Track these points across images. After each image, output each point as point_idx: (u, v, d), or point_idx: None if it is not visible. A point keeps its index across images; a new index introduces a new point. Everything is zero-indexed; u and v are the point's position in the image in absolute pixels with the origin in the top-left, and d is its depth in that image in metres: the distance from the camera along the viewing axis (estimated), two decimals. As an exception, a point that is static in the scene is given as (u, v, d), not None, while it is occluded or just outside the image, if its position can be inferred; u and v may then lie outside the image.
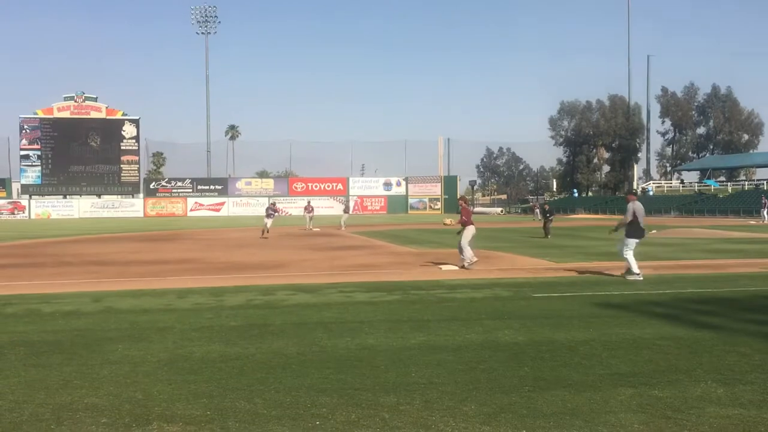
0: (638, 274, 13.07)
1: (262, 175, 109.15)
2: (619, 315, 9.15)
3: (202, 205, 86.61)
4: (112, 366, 6.54)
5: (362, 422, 4.83)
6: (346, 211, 44.45)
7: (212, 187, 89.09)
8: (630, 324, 8.45)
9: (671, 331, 7.99)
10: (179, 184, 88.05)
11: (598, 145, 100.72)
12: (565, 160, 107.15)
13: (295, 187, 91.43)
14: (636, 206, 13.62)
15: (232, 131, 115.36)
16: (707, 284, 12.49)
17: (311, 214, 40.11)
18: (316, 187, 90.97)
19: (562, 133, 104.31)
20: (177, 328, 8.42)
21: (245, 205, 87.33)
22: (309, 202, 42.66)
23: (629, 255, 13.38)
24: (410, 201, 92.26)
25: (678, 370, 6.15)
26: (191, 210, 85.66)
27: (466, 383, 5.78)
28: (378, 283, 12.76)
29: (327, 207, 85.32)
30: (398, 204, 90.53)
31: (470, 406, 5.16)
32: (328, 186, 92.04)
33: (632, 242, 13.49)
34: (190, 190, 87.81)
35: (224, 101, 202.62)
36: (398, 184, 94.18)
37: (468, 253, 15.48)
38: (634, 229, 13.55)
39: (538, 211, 64.19)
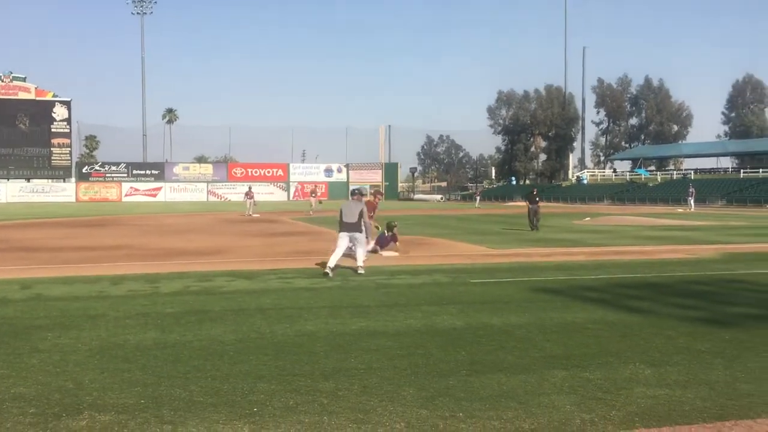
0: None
1: (201, 160, 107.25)
2: (553, 300, 9.37)
3: (138, 190, 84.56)
4: (41, 355, 6.33)
5: (300, 408, 4.82)
6: (313, 195, 43.79)
7: (148, 172, 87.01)
8: (564, 308, 8.68)
9: (603, 315, 8.24)
10: (113, 168, 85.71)
11: (535, 134, 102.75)
12: (503, 148, 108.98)
13: (235, 173, 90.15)
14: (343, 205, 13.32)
15: (170, 115, 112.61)
16: (637, 270, 12.91)
17: (252, 200, 39.69)
18: (256, 172, 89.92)
19: (501, 121, 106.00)
20: (110, 316, 8.21)
21: (183, 190, 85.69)
22: (250, 188, 42.23)
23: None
24: (351, 187, 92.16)
25: (609, 353, 6.35)
26: (126, 195, 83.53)
27: (405, 368, 5.83)
28: (318, 270, 12.71)
29: (267, 193, 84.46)
30: (339, 190, 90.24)
31: (408, 390, 5.21)
32: (269, 172, 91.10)
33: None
34: (125, 175, 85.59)
35: (162, 84, 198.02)
36: (339, 170, 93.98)
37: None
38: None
39: (478, 198, 65.24)
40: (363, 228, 13.84)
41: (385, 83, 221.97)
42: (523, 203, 31.13)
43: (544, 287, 10.50)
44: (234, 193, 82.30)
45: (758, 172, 69.55)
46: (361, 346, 6.60)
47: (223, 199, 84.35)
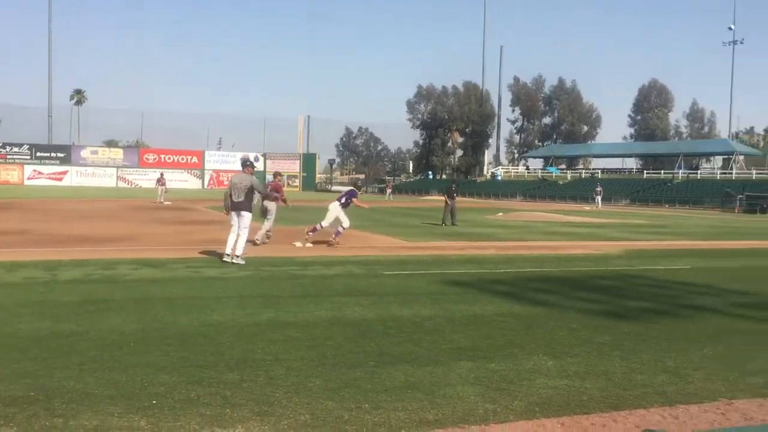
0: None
1: (111, 144, 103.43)
2: (463, 292, 9.51)
3: (42, 173, 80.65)
4: None
5: (202, 400, 4.67)
6: (160, 183, 41.13)
7: (53, 154, 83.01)
8: (473, 301, 8.81)
9: (510, 308, 8.41)
10: (15, 149, 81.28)
11: (452, 130, 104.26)
12: (421, 142, 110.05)
13: (147, 159, 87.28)
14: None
15: (78, 96, 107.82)
16: (545, 264, 13.29)
17: (164, 187, 38.56)
18: (169, 159, 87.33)
19: (419, 116, 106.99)
20: (3, 304, 7.75)
21: (91, 175, 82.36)
22: (162, 175, 40.98)
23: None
24: (268, 177, 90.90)
25: (514, 345, 6.48)
26: (29, 178, 79.51)
27: (312, 359, 5.76)
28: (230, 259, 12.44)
29: (181, 180, 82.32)
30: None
31: (315, 381, 5.14)
32: (183, 159, 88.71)
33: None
34: (28, 157, 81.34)
35: (71, 64, 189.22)
36: (256, 159, 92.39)
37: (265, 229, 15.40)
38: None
39: (389, 191, 65.56)
40: (269, 205, 13.54)
41: (305, 73, 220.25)
42: (441, 197, 31.50)
43: (455, 280, 10.64)
44: (146, 179, 79.61)
45: (660, 173, 73.14)
46: (268, 337, 6.48)
47: (133, 186, 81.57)
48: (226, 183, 44.19)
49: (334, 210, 15.59)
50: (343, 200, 15.88)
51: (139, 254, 12.91)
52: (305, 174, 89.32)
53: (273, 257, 13.06)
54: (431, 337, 6.72)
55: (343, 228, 15.51)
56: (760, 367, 5.87)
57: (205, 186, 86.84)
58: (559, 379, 5.38)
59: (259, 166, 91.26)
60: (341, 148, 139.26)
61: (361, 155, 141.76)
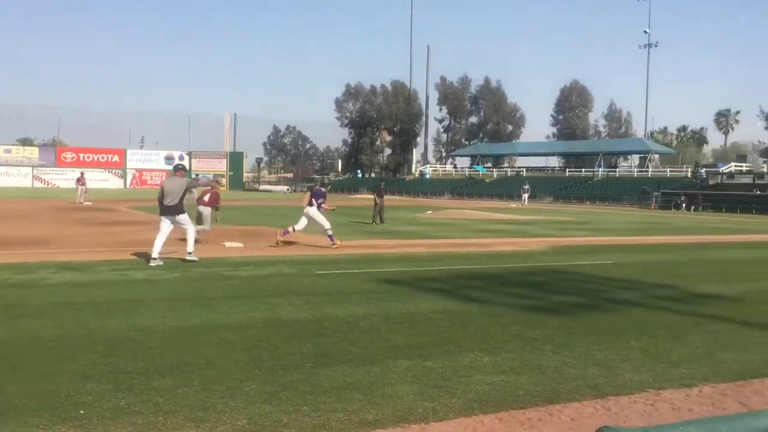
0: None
1: (25, 142, 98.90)
2: (397, 290, 9.53)
3: (-51, 173, 76.57)
4: None
5: (133, 408, 4.50)
6: (80, 183, 38.77)
7: (-38, 153, 78.93)
8: (407, 299, 8.84)
9: (444, 305, 8.49)
10: None
11: (381, 129, 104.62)
12: (350, 141, 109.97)
13: (65, 158, 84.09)
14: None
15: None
16: (475, 261, 13.49)
17: (84, 187, 37.24)
18: (89, 158, 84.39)
19: (348, 114, 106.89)
20: None
21: (4, 174, 78.72)
22: (82, 174, 39.58)
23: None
24: (175, 163, 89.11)
25: (450, 342, 6.53)
26: (-65, 178, 75.34)
27: (248, 362, 5.65)
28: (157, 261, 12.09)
29: (101, 180, 79.66)
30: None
31: (251, 385, 5.04)
32: (103, 157, 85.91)
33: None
34: (-67, 156, 77.11)
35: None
36: (181, 158, 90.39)
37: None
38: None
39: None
40: (203, 211, 13.36)
41: (231, 70, 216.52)
42: (370, 196, 31.52)
43: (388, 278, 10.66)
44: (63, 179, 76.71)
45: (581, 171, 75.50)
46: (201, 341, 6.32)
47: (51, 186, 78.41)
48: (149, 183, 42.97)
49: (311, 213, 15.43)
50: (320, 201, 15.67)
51: (61, 257, 12.37)
52: (232, 173, 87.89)
53: (203, 258, 12.75)
54: (367, 336, 6.70)
55: (326, 229, 15.44)
56: (683, 357, 6.11)
57: (128, 186, 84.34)
58: (495, 375, 5.45)
59: (184, 165, 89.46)
60: (269, 147, 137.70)
61: (289, 154, 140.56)
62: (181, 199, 12.13)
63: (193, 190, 12.87)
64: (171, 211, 12.03)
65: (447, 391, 5.00)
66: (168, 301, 8.31)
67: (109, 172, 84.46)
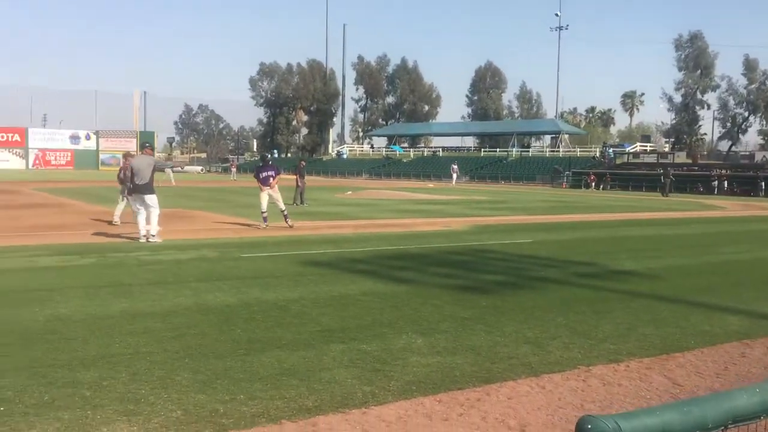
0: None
1: None
2: (324, 273, 9.44)
3: None
4: None
5: (58, 403, 4.26)
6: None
7: None
8: (335, 281, 8.77)
9: (372, 287, 8.46)
10: None
11: (297, 108, 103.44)
12: (265, 120, 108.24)
13: (-41, 137, 79.07)
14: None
15: None
16: (400, 242, 13.54)
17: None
18: (-14, 137, 79.68)
19: (263, 93, 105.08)
20: None
21: None
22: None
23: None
24: (102, 156, 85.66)
25: (382, 324, 6.51)
26: None
27: (177, 350, 5.45)
28: (68, 246, 11.54)
29: (2, 160, 75.47)
30: (88, 159, 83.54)
31: (183, 374, 4.87)
32: (2, 137, 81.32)
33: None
34: None
35: None
36: (87, 137, 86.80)
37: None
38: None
39: (234, 170, 63.83)
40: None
41: (140, 46, 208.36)
42: (287, 176, 31.12)
43: (314, 260, 10.55)
44: (-42, 159, 72.30)
45: (495, 151, 77.13)
46: (125, 330, 6.05)
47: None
48: (53, 163, 41.00)
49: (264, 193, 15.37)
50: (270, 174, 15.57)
51: (-38, 243, 11.63)
52: (138, 154, 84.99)
53: (119, 243, 12.27)
54: (299, 320, 6.59)
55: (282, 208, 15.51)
56: (609, 333, 6.32)
57: (30, 166, 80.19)
58: (430, 356, 5.47)
59: (90, 144, 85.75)
60: (180, 126, 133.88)
61: (202, 133, 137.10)
62: (151, 178, 12.09)
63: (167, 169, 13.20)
64: (141, 189, 11.99)
65: (384, 375, 4.98)
66: (85, 288, 7.93)
67: (9, 151, 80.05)
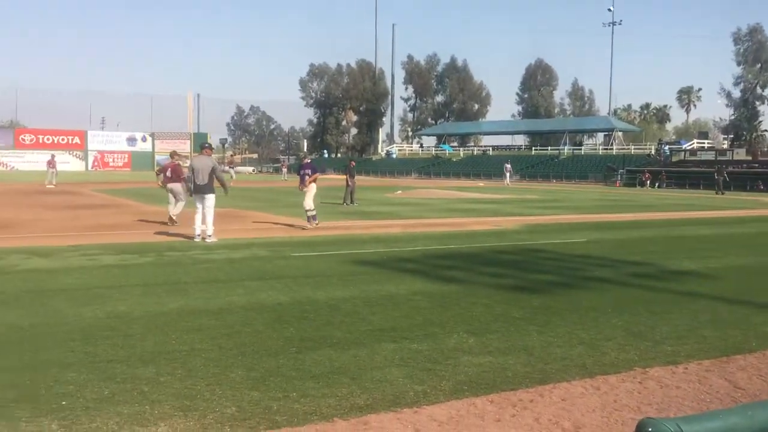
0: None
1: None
2: (375, 272, 9.46)
3: None
4: None
5: (117, 398, 4.38)
6: (50, 166, 37.78)
7: None
8: (386, 280, 8.78)
9: (423, 287, 8.45)
10: None
11: (346, 108, 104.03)
12: (315, 121, 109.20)
13: (23, 140, 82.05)
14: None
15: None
16: (450, 241, 13.48)
17: (54, 170, 36.72)
18: (48, 139, 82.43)
19: (313, 94, 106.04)
20: None
21: (-41, 157, 76.56)
22: (53, 156, 39.04)
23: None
24: (157, 158, 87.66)
25: (433, 323, 6.49)
26: None
27: (231, 348, 5.54)
28: (127, 245, 11.86)
29: (63, 162, 77.80)
30: (144, 160, 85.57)
31: (237, 371, 4.94)
32: (63, 139, 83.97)
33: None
34: None
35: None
36: (144, 139, 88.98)
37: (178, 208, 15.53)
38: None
39: (285, 170, 64.49)
40: (173, 187, 13.71)
41: (193, 50, 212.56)
42: (337, 176, 31.31)
43: (364, 260, 10.59)
44: (23, 162, 75.05)
45: (547, 149, 76.12)
46: (181, 327, 6.19)
47: (9, 169, 76.50)
48: (111, 165, 42.25)
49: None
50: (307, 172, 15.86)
51: (27, 242, 12.07)
52: (196, 154, 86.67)
53: (175, 242, 12.55)
54: (350, 319, 6.63)
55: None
56: (666, 334, 6.17)
57: (89, 168, 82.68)
58: (482, 356, 5.43)
59: (146, 146, 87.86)
60: (233, 128, 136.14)
61: (254, 134, 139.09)
62: (211, 178, 12.40)
63: (226, 171, 13.51)
64: (202, 190, 12.38)
65: (436, 374, 4.97)
66: (143, 286, 8.13)
67: (69, 154, 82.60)
